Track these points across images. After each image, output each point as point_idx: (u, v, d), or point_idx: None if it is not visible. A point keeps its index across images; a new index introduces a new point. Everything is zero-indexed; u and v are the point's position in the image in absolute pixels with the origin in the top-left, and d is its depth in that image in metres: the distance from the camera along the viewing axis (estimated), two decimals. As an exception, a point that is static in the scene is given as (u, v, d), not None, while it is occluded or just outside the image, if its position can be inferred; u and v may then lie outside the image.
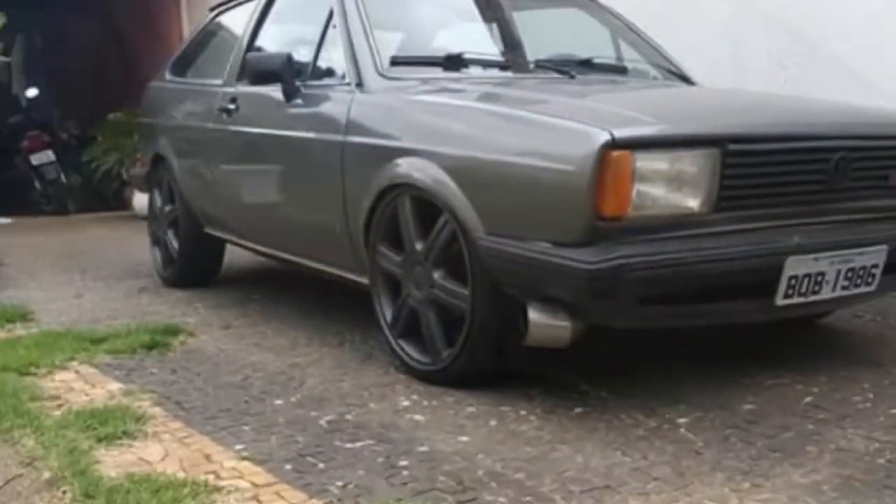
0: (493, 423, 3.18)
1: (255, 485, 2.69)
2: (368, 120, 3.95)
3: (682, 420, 3.15)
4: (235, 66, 5.19)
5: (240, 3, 5.65)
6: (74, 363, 4.00)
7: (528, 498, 2.56)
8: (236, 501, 2.58)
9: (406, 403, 3.40)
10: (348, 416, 3.27)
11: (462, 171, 3.41)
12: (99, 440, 3.03)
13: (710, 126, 3.34)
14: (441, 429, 3.13)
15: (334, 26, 4.33)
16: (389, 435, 3.08)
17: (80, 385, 3.72)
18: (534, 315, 3.26)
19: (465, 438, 3.04)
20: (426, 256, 3.59)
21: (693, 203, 3.15)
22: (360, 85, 4.07)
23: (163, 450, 2.99)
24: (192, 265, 5.78)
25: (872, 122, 3.77)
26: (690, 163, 3.14)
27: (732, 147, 3.16)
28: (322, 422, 3.23)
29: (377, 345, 4.13)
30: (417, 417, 3.25)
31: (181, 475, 2.74)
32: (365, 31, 4.17)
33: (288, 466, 2.83)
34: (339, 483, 2.70)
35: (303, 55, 4.52)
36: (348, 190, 3.99)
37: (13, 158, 12.86)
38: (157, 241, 6.03)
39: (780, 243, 3.24)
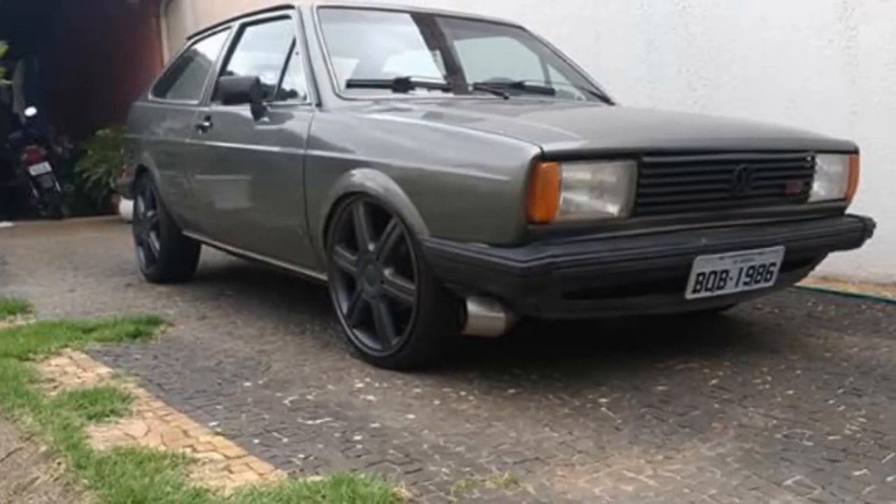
0: (436, 402, 3.16)
1: (227, 457, 2.67)
2: (327, 135, 3.91)
3: (602, 400, 3.14)
4: (210, 88, 5.16)
5: (214, 33, 5.62)
6: (68, 350, 3.97)
7: (467, 468, 2.54)
8: (210, 471, 2.55)
9: (360, 385, 3.37)
10: (309, 397, 3.24)
11: (409, 180, 3.38)
12: (90, 418, 3.01)
13: (627, 141, 3.33)
14: (390, 407, 3.11)
15: (297, 53, 4.29)
16: (345, 413, 3.05)
17: (73, 369, 3.67)
18: (472, 307, 3.26)
19: (411, 416, 3.01)
20: (378, 256, 3.57)
21: (613, 209, 3.15)
22: (319, 105, 4.03)
23: (146, 426, 2.96)
24: (172, 264, 5.76)
25: (770, 138, 3.78)
26: (610, 173, 3.13)
27: (647, 159, 3.16)
28: (286, 401, 3.19)
29: (335, 333, 4.11)
30: (370, 398, 3.22)
31: (162, 448, 2.71)
32: (324, 58, 4.14)
33: (256, 440, 2.80)
34: (301, 455, 2.67)
35: (269, 79, 4.49)
36: (309, 197, 3.95)
37: (14, 170, 12.82)
38: (141, 242, 6.01)
39: (689, 244, 3.24)
